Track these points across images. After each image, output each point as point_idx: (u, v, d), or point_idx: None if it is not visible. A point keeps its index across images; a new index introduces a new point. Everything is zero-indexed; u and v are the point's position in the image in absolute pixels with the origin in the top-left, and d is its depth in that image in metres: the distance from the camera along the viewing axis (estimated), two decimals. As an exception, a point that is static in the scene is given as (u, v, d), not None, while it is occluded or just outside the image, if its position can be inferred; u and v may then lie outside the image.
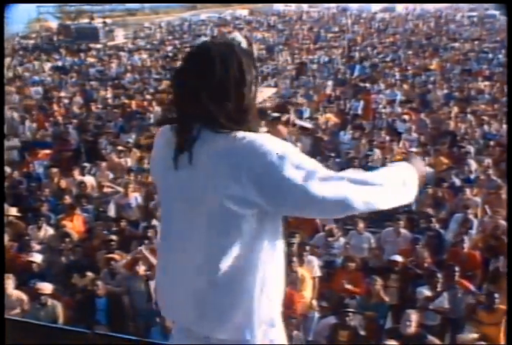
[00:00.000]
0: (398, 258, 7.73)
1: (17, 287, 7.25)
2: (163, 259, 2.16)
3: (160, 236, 2.26)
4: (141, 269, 7.32)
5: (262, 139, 1.89)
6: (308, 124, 3.53)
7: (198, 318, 2.03)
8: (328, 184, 1.89)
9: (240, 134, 1.89)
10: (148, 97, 17.90)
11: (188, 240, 2.01)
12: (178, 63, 2.04)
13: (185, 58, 2.03)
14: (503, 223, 8.35)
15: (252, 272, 2.00)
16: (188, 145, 1.91)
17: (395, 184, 2.00)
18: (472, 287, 7.23)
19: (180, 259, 2.05)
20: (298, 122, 2.71)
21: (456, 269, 7.17)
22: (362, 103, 16.40)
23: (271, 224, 2.02)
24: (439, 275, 7.13)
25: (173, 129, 1.99)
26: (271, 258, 2.04)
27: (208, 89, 1.90)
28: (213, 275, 1.97)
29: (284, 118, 2.53)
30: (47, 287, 7.07)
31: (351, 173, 1.96)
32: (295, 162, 1.88)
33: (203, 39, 18.26)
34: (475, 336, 6.25)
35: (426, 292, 7.02)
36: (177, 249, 2.06)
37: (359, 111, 16.07)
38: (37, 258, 7.95)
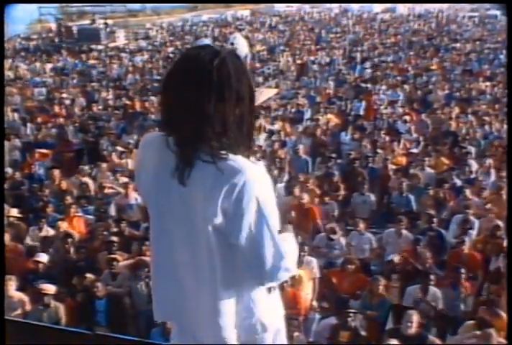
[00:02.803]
0: (396, 258, 7.74)
1: (19, 289, 7.26)
2: (161, 264, 2.14)
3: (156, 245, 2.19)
4: (143, 270, 7.31)
5: (250, 175, 1.88)
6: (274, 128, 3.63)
7: (206, 325, 2.07)
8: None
9: (231, 162, 1.87)
10: (150, 98, 17.90)
11: (191, 250, 2.02)
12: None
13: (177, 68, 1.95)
14: (504, 223, 8.34)
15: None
16: (190, 161, 1.88)
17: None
18: (474, 288, 7.24)
19: (179, 267, 2.07)
20: (268, 127, 2.79)
21: (463, 271, 7.19)
22: (363, 103, 16.42)
23: None
24: (432, 277, 7.15)
25: (168, 141, 1.93)
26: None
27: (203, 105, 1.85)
28: (218, 288, 2.02)
29: (257, 124, 2.55)
30: (50, 288, 7.07)
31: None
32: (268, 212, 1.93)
33: (204, 40, 18.25)
34: (475, 336, 6.22)
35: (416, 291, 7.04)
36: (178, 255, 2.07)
37: (361, 112, 16.08)
38: (43, 258, 7.95)
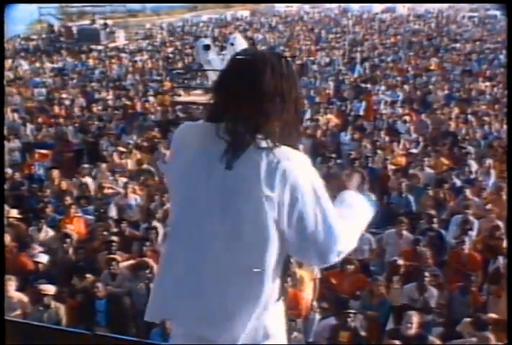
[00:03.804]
0: (400, 261, 7.73)
1: (19, 289, 7.26)
2: (173, 263, 2.12)
3: (172, 238, 2.19)
4: (143, 271, 7.32)
5: (300, 164, 1.98)
6: None
7: (208, 324, 2.06)
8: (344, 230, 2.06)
9: (282, 152, 1.97)
10: (149, 98, 17.90)
11: (210, 247, 2.02)
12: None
13: (238, 64, 2.05)
14: (504, 224, 8.35)
15: (264, 284, 2.06)
16: (242, 147, 1.95)
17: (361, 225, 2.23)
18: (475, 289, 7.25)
19: (194, 265, 2.06)
20: None
21: (473, 278, 7.23)
22: (363, 104, 16.42)
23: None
24: (427, 274, 7.16)
25: (212, 127, 2.00)
26: (279, 271, 2.13)
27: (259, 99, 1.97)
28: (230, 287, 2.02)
29: None
30: (50, 289, 7.07)
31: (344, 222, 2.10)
32: (324, 198, 2.01)
33: (204, 39, 18.23)
34: (476, 336, 6.23)
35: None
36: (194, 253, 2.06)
37: (361, 112, 16.08)
38: (43, 258, 7.95)
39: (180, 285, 2.08)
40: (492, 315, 6.43)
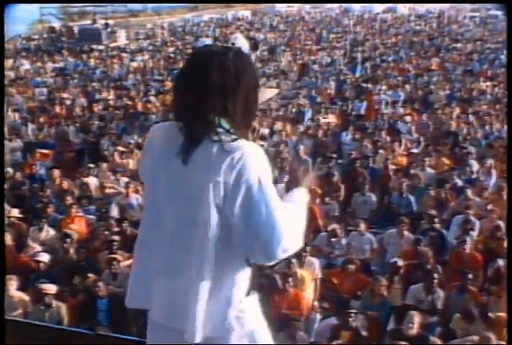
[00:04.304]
0: (400, 263, 7.73)
1: (20, 288, 7.26)
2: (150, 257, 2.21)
3: (144, 232, 2.33)
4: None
5: (255, 154, 2.02)
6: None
7: (182, 316, 2.08)
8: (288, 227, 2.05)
9: (234, 143, 2.01)
10: (150, 98, 17.91)
11: (180, 240, 2.09)
12: (181, 65, 2.12)
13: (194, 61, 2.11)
14: (504, 224, 8.34)
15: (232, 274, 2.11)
16: (196, 142, 2.00)
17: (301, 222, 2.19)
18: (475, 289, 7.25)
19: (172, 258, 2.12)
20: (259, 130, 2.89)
21: (470, 276, 7.21)
22: (364, 103, 16.42)
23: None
24: (436, 275, 7.16)
25: (177, 126, 2.07)
26: (238, 271, 2.14)
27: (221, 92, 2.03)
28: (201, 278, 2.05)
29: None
30: (51, 288, 7.07)
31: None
32: (270, 192, 2.03)
33: (205, 39, 18.26)
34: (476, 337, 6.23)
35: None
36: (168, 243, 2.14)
37: (362, 112, 16.08)
38: (45, 258, 7.95)
39: (145, 272, 2.19)
40: (496, 314, 6.43)
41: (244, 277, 2.14)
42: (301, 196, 2.28)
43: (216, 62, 2.03)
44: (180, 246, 2.09)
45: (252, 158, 2.00)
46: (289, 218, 2.08)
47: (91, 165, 11.67)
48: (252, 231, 2.00)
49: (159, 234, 2.15)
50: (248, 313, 2.16)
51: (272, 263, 2.12)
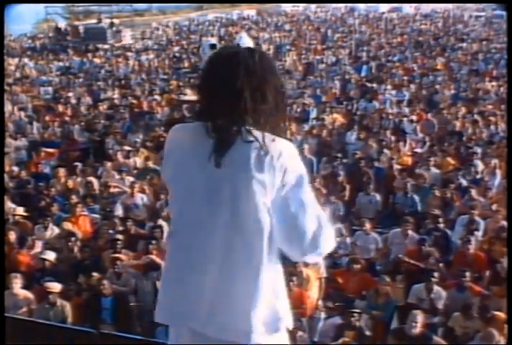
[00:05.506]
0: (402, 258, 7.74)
1: (25, 287, 7.28)
2: (178, 260, 2.15)
3: (173, 234, 2.22)
4: (152, 271, 7.34)
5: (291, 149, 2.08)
6: None
7: (209, 320, 2.07)
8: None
9: (270, 141, 2.03)
10: (155, 97, 17.92)
11: (210, 240, 2.06)
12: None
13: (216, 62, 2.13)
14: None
15: (267, 276, 2.09)
16: (229, 143, 2.01)
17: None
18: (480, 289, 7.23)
19: (198, 261, 2.09)
20: None
21: (468, 274, 7.19)
22: (376, 104, 16.38)
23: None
24: (436, 274, 7.14)
25: (203, 127, 2.06)
26: (278, 263, 2.16)
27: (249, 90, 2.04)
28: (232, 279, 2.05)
29: None
30: (55, 286, 7.08)
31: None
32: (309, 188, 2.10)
33: (210, 39, 18.27)
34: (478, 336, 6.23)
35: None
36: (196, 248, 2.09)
37: (371, 112, 16.02)
38: (51, 256, 7.96)
39: (184, 284, 2.10)
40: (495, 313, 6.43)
41: (281, 275, 2.18)
42: None
43: (243, 64, 2.05)
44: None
45: (290, 157, 2.05)
46: (324, 216, 2.13)
47: (96, 164, 11.70)
48: (293, 226, 2.05)
49: (199, 235, 2.08)
50: (286, 312, 2.18)
51: (306, 259, 2.23)
